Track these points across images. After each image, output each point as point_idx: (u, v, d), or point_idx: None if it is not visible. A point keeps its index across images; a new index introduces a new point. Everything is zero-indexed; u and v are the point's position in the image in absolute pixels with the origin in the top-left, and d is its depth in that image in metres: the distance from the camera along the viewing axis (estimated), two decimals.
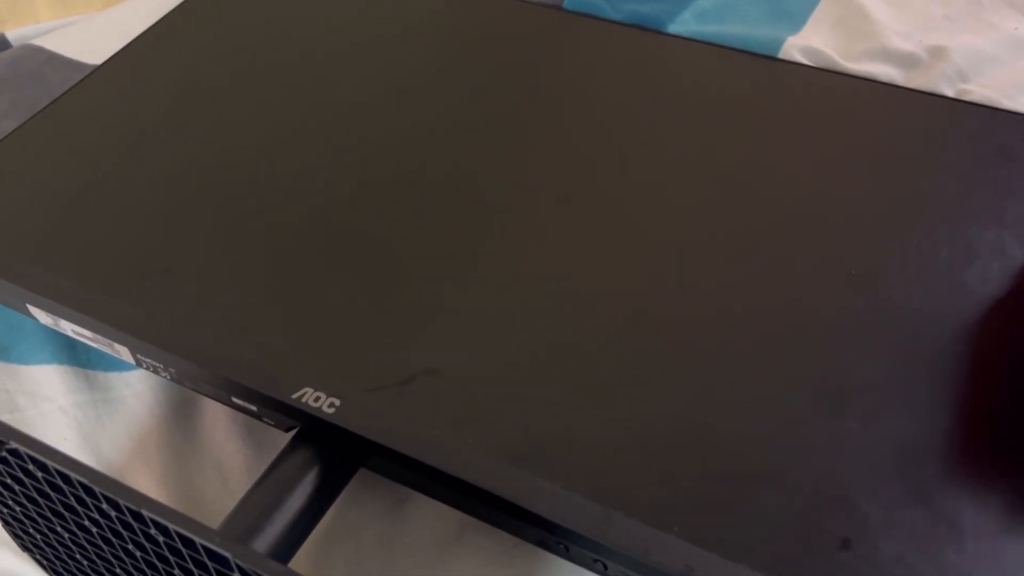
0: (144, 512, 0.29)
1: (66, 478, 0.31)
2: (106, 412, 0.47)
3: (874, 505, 0.34)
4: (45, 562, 0.40)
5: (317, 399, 0.38)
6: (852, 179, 0.46)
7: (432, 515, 0.43)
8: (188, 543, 0.29)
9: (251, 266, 0.44)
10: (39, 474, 0.32)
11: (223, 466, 0.45)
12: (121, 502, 0.29)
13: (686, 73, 0.53)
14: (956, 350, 0.39)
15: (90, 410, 0.47)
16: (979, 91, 0.54)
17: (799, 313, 0.41)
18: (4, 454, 0.32)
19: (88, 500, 0.31)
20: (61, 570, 0.40)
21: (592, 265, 0.43)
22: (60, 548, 0.37)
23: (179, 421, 0.46)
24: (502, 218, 0.45)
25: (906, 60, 0.56)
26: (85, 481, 0.30)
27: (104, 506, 0.31)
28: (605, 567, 0.35)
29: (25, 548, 0.40)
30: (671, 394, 0.38)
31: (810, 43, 0.54)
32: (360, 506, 0.43)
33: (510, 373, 0.39)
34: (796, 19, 0.56)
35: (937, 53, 0.56)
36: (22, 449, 0.30)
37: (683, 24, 0.57)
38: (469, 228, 0.45)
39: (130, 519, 0.30)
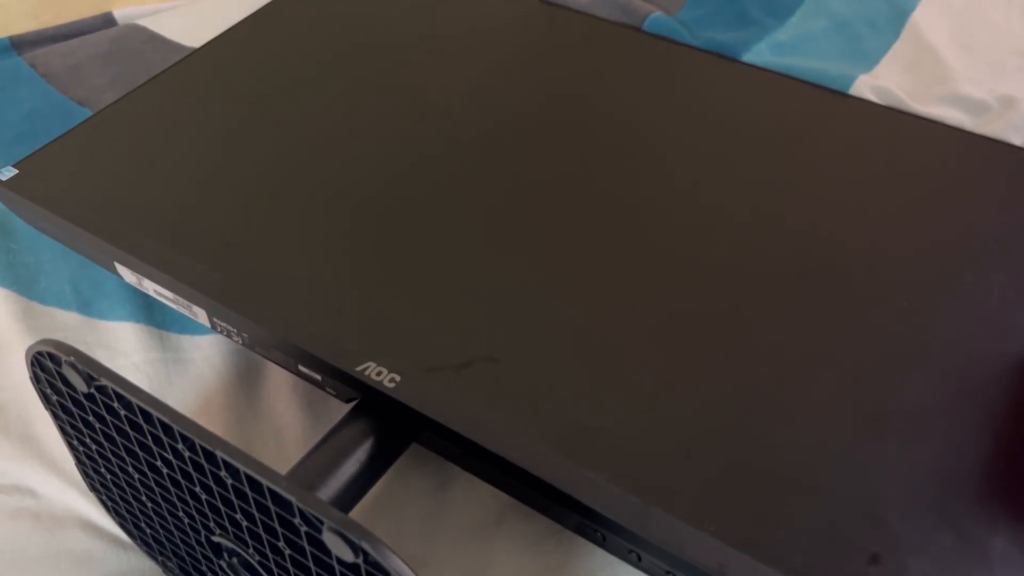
0: (218, 453, 0.31)
1: (147, 416, 0.33)
2: (176, 371, 0.49)
3: (906, 526, 0.35)
4: (109, 503, 0.43)
5: (379, 373, 0.40)
6: (913, 217, 0.47)
7: (474, 498, 0.44)
8: (255, 486, 0.31)
9: (328, 244, 0.46)
10: (122, 412, 0.34)
11: (281, 432, 0.47)
12: (197, 441, 0.32)
13: (756, 102, 0.54)
14: (999, 386, 0.40)
15: (161, 368, 0.49)
16: None
17: (850, 336, 0.42)
18: (92, 390, 0.35)
19: (164, 439, 0.33)
20: (124, 512, 0.42)
21: (653, 272, 0.45)
22: (127, 489, 0.40)
23: (243, 386, 0.49)
24: (568, 220, 0.47)
25: (976, 107, 0.57)
26: (165, 419, 0.32)
27: (179, 446, 0.33)
28: (639, 558, 0.36)
29: (93, 488, 0.43)
30: (720, 399, 0.39)
31: (882, 82, 0.55)
32: (408, 483, 0.45)
33: (564, 365, 0.41)
34: (870, 58, 0.58)
35: (1008, 102, 0.56)
36: (111, 386, 0.33)
37: (758, 55, 0.58)
38: (536, 226, 0.47)
39: (202, 460, 0.32)
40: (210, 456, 0.32)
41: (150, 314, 0.51)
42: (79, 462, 0.42)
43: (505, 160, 0.51)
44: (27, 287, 0.52)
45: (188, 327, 0.51)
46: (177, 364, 0.50)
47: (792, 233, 0.47)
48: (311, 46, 0.59)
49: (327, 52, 0.59)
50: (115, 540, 0.44)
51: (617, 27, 0.60)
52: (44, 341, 0.35)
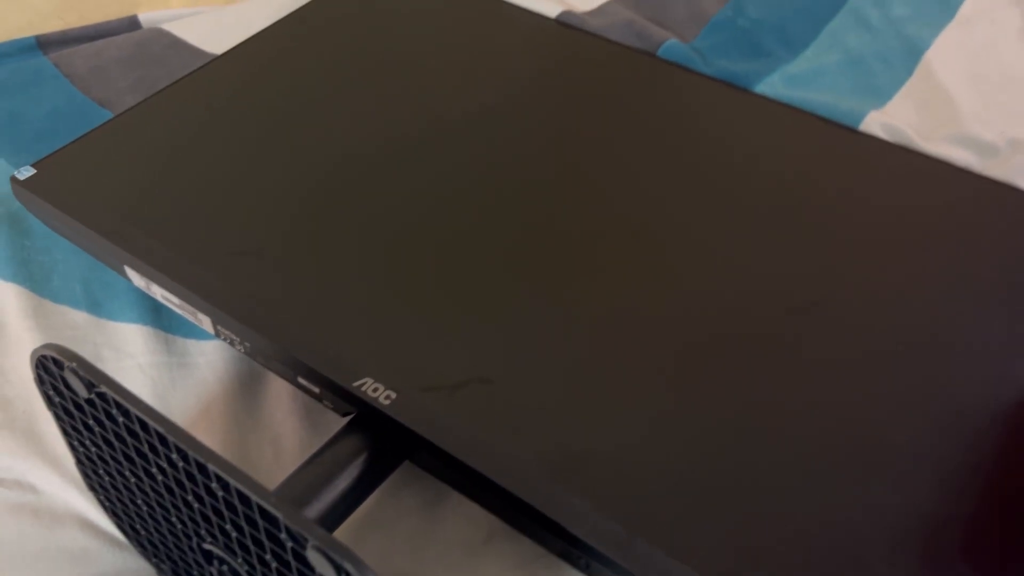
0: (210, 466, 0.32)
1: (144, 425, 0.34)
2: (179, 375, 0.50)
3: (890, 569, 0.36)
4: (107, 504, 0.44)
5: (375, 389, 0.41)
6: (916, 258, 0.48)
7: (464, 518, 0.45)
8: (244, 500, 0.32)
9: (333, 258, 0.47)
10: (120, 419, 0.35)
11: (279, 442, 0.48)
12: (190, 454, 0.32)
13: (766, 133, 0.55)
14: (996, 436, 0.40)
15: (165, 371, 0.50)
16: None
17: (843, 376, 0.42)
18: (92, 396, 0.35)
19: (160, 448, 0.34)
20: (121, 513, 0.43)
21: (650, 301, 0.45)
22: (124, 492, 0.40)
23: (244, 394, 0.49)
24: (570, 244, 0.48)
25: (985, 148, 0.57)
26: (161, 430, 0.33)
27: (174, 456, 0.34)
28: None
29: (91, 488, 0.44)
30: (711, 433, 0.40)
31: (891, 120, 0.55)
32: (399, 500, 0.46)
33: (558, 389, 0.41)
34: (882, 95, 0.58)
35: (1018, 145, 0.56)
36: (109, 393, 0.34)
37: (770, 86, 0.59)
38: (539, 249, 0.48)
39: (195, 471, 0.33)
40: (202, 468, 0.33)
41: (158, 317, 0.52)
42: (79, 462, 0.42)
43: (509, 180, 0.52)
44: (40, 284, 0.53)
45: (194, 331, 0.52)
46: (181, 368, 0.50)
47: (791, 267, 0.47)
48: (329, 58, 0.60)
49: (345, 64, 0.60)
50: (112, 540, 0.45)
51: (631, 52, 0.61)
52: (48, 345, 0.36)
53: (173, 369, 0.50)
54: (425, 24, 0.64)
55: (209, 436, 0.48)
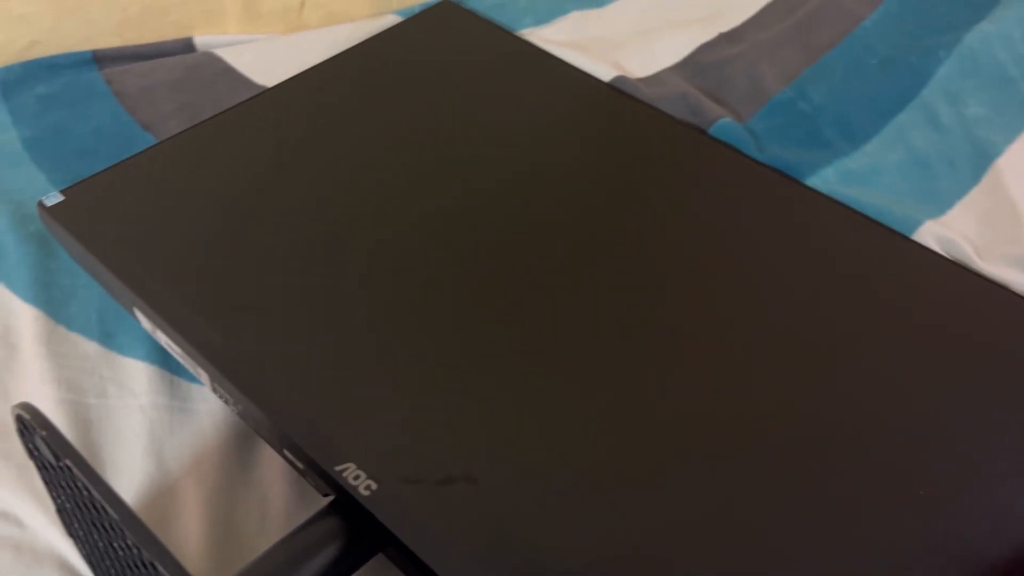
0: (159, 568, 0.31)
1: (104, 507, 0.33)
2: (178, 421, 0.49)
3: None
4: (83, 552, 0.43)
5: (357, 477, 0.39)
6: (956, 388, 0.44)
7: None
8: None
9: (334, 330, 0.45)
10: (84, 492, 0.34)
11: (266, 504, 0.47)
12: (143, 552, 0.31)
13: (814, 231, 0.52)
14: None
15: (165, 415, 0.50)
16: None
17: (854, 507, 0.39)
18: (63, 463, 0.35)
19: (116, 531, 0.33)
20: (95, 564, 0.43)
21: (664, 407, 0.43)
22: (94, 548, 0.40)
23: (239, 449, 0.49)
24: (585, 339, 0.46)
25: None
26: (116, 519, 0.32)
27: (129, 542, 0.33)
28: None
29: (69, 535, 0.43)
30: (700, 549, 0.37)
31: (948, 232, 0.52)
32: None
33: (544, 500, 0.39)
34: (941, 202, 0.54)
35: None
36: (76, 470, 0.33)
37: (824, 180, 0.56)
38: (550, 343, 0.45)
39: (146, 562, 0.32)
40: (152, 565, 0.32)
41: (165, 357, 0.51)
42: (58, 510, 0.42)
43: (530, 256, 0.50)
44: (57, 309, 0.53)
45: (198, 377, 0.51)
46: (181, 413, 0.50)
47: (816, 378, 0.44)
48: (372, 104, 0.59)
49: (387, 112, 0.58)
50: None
51: (682, 127, 0.58)
52: (25, 406, 0.35)
53: (173, 413, 0.50)
54: (474, 76, 0.62)
55: (197, 489, 0.47)
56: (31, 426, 0.34)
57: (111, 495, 0.32)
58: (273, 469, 0.48)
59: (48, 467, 0.37)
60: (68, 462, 0.33)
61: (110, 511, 0.32)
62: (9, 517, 0.46)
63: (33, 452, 0.38)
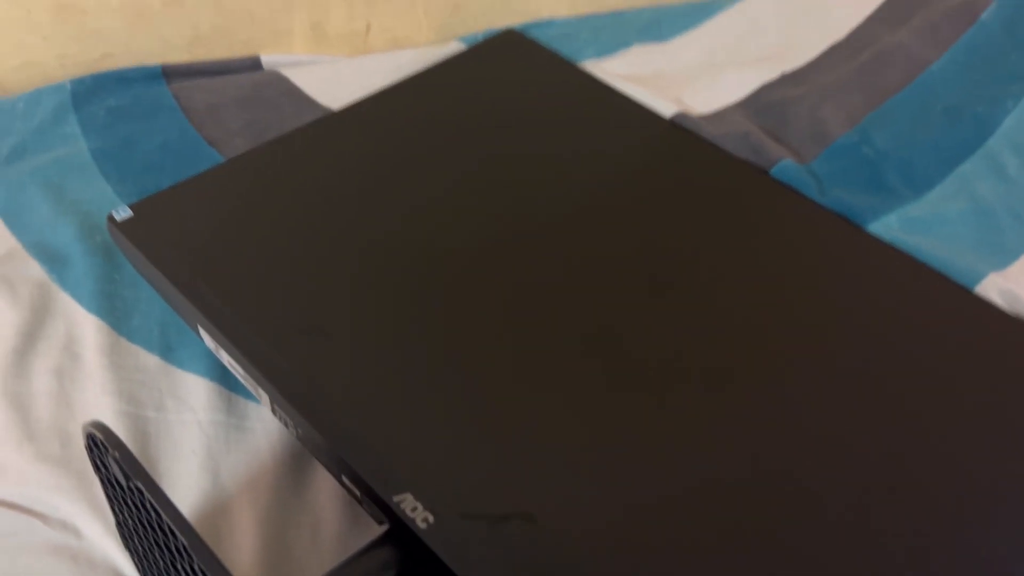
0: None
1: (172, 531, 0.34)
2: (235, 439, 0.50)
3: None
4: (137, 564, 0.44)
5: (414, 508, 0.40)
6: (1020, 444, 0.44)
7: None
8: None
9: (400, 360, 0.46)
10: (152, 514, 0.35)
11: (319, 526, 0.47)
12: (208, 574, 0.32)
13: (875, 279, 0.51)
14: None
15: (222, 432, 0.50)
16: None
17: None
18: (131, 485, 0.35)
19: (184, 555, 0.34)
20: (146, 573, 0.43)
21: (726, 443, 0.43)
22: (154, 566, 0.40)
23: (294, 470, 0.49)
24: (647, 379, 0.46)
25: None
26: (185, 544, 0.32)
27: (196, 567, 0.33)
28: None
29: (127, 549, 0.44)
30: None
31: (1014, 286, 0.51)
32: None
33: (604, 540, 0.39)
34: (1007, 254, 0.54)
35: None
36: (146, 493, 0.34)
37: (885, 226, 0.55)
38: (615, 380, 0.46)
39: None
40: None
41: (224, 374, 0.52)
42: (118, 524, 0.43)
43: (592, 293, 0.50)
44: (120, 321, 0.54)
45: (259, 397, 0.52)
46: (238, 431, 0.50)
47: (874, 426, 0.44)
48: (438, 132, 0.60)
49: (450, 140, 0.59)
50: None
51: (744, 166, 0.58)
52: (98, 426, 0.36)
53: (230, 431, 0.50)
54: (537, 106, 0.63)
55: (252, 508, 0.48)
56: (103, 446, 0.35)
57: (181, 521, 0.33)
58: (326, 492, 0.48)
59: (114, 484, 0.38)
60: (139, 484, 0.34)
61: (179, 536, 0.32)
62: (68, 526, 0.47)
63: (100, 468, 0.39)
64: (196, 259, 0.50)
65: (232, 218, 0.53)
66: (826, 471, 0.42)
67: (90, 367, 0.53)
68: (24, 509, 0.47)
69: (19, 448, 0.49)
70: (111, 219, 0.52)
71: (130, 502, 0.37)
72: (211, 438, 0.50)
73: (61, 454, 0.49)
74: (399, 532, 0.41)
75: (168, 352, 0.53)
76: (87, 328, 0.54)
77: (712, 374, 0.46)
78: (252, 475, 0.49)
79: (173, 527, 0.32)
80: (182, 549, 0.33)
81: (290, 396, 0.44)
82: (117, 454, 0.34)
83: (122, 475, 0.35)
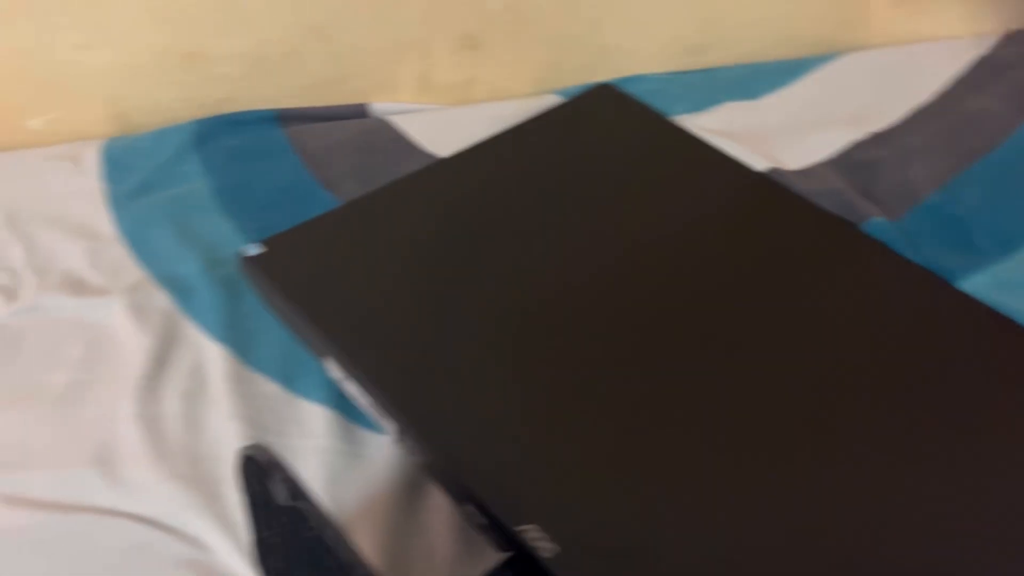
0: None
1: (330, 549, 0.36)
2: (352, 465, 0.53)
3: None
4: None
5: (539, 538, 0.42)
6: None
7: None
8: None
9: (527, 394, 0.49)
10: (308, 532, 0.37)
11: (432, 553, 0.50)
12: None
13: (962, 336, 0.53)
14: None
15: (340, 459, 0.53)
16: None
17: None
18: (293, 504, 0.38)
19: (341, 573, 0.36)
20: None
21: (837, 495, 0.44)
22: None
23: (409, 498, 0.52)
24: (763, 422, 0.48)
25: None
26: (344, 561, 0.35)
27: None
28: None
29: (262, 566, 0.46)
30: None
31: None
32: None
33: None
34: None
35: None
36: (309, 512, 0.36)
37: (975, 285, 0.57)
38: (735, 424, 0.47)
39: None
40: None
41: (343, 404, 0.55)
42: (257, 543, 0.46)
43: (694, 337, 0.52)
44: (244, 349, 0.58)
45: (375, 424, 0.55)
46: (355, 458, 0.53)
47: (962, 491, 0.45)
48: (540, 180, 0.63)
49: (552, 191, 0.62)
50: None
51: (836, 220, 0.60)
52: (259, 449, 0.39)
53: (348, 458, 0.53)
54: (632, 159, 0.65)
55: (369, 532, 0.50)
56: (267, 468, 0.38)
57: (341, 539, 0.36)
58: (440, 518, 0.51)
59: (267, 505, 0.41)
60: (303, 504, 0.36)
61: (340, 554, 0.35)
62: (198, 542, 0.50)
63: (251, 488, 0.42)
64: (325, 294, 0.53)
65: (355, 256, 0.56)
66: (932, 538, 0.44)
67: (216, 393, 0.56)
68: (157, 524, 0.50)
69: (153, 466, 0.52)
70: (243, 255, 0.56)
71: (284, 521, 0.40)
72: (329, 465, 0.53)
73: (192, 473, 0.52)
74: (521, 561, 0.43)
75: (289, 381, 0.56)
76: (213, 356, 0.57)
77: (820, 425, 0.48)
78: (368, 502, 0.52)
79: (335, 547, 0.35)
80: (342, 567, 0.36)
81: (420, 427, 0.47)
82: (281, 476, 0.37)
83: (288, 495, 0.38)
